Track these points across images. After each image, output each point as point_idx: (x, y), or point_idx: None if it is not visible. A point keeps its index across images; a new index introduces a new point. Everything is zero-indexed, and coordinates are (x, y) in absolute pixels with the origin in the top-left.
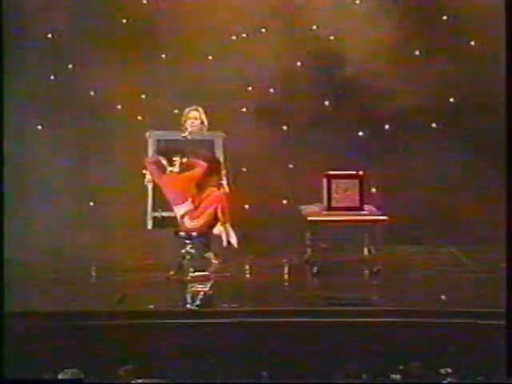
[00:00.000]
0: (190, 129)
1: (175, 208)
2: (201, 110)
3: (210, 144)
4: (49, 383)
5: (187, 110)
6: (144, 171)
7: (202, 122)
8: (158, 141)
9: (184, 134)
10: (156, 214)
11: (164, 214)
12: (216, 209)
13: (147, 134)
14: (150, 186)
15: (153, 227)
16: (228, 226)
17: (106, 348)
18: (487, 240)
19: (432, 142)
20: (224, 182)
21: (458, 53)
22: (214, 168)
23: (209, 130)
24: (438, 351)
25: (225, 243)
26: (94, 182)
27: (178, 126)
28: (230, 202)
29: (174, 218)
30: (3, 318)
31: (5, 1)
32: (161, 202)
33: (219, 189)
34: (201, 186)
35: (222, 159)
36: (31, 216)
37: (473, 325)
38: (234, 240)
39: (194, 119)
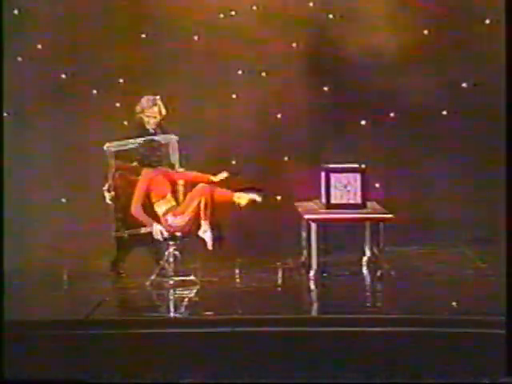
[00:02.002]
0: (150, 122)
1: (156, 206)
2: (157, 98)
3: (165, 147)
4: (48, 383)
5: (144, 102)
6: (105, 188)
7: (161, 113)
8: (117, 151)
9: (139, 141)
10: (120, 234)
11: (129, 232)
12: (199, 203)
13: (104, 147)
14: (111, 204)
15: (118, 248)
16: (207, 223)
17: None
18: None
19: (442, 130)
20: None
21: (470, 32)
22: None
23: (200, 120)
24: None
25: (209, 246)
26: (67, 176)
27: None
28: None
29: (141, 235)
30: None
31: None
32: (124, 220)
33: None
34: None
35: (177, 164)
36: None
37: (484, 334)
38: (207, 239)
39: (154, 118)
